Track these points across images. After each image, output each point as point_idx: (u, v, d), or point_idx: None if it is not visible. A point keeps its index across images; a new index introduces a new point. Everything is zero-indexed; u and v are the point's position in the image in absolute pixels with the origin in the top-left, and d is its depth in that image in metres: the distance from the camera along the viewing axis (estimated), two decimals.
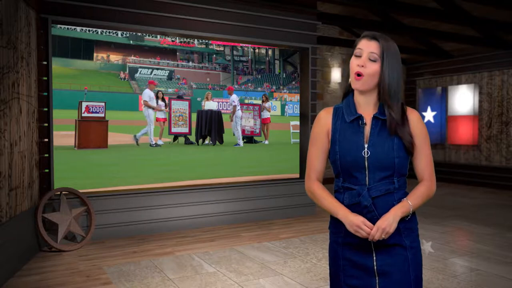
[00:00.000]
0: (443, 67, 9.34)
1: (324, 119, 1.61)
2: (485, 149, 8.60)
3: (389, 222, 1.46)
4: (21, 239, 3.74)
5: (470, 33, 7.68)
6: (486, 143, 8.58)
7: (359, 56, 1.52)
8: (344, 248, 1.58)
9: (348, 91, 1.64)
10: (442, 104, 9.27)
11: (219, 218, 5.34)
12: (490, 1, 5.77)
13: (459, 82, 9.09)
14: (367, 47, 1.51)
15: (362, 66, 1.50)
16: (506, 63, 8.15)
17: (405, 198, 1.53)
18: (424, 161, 1.57)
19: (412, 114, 1.56)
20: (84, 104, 7.84)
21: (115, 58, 23.98)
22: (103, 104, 8.02)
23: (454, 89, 9.06)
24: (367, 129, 1.54)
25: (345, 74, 9.17)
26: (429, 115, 9.46)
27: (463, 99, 8.87)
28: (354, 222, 1.47)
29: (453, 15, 6.42)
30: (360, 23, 7.29)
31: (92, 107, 7.87)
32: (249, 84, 27.13)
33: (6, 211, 3.36)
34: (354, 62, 1.53)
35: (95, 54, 23.58)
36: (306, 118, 5.96)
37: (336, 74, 9.04)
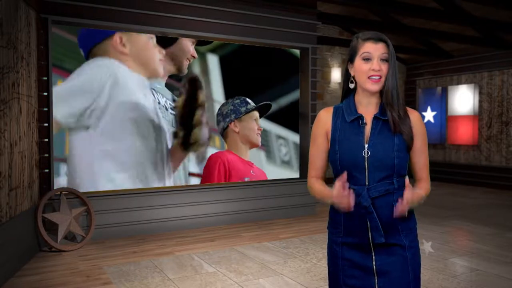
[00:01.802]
0: (443, 67, 9.35)
1: (324, 119, 1.62)
2: (485, 149, 8.60)
3: (410, 196, 1.43)
4: (21, 239, 3.74)
5: (470, 33, 7.69)
6: (486, 143, 8.58)
7: (368, 59, 1.52)
8: (343, 248, 1.58)
9: (347, 92, 1.64)
10: (442, 104, 9.28)
11: (219, 218, 5.34)
12: (490, 1, 5.77)
13: (459, 82, 9.09)
14: (376, 50, 1.51)
15: (379, 69, 1.51)
16: (506, 63, 8.15)
17: (418, 191, 1.52)
18: (423, 161, 1.58)
19: (412, 114, 1.57)
20: None
21: None
22: None
23: (454, 89, 9.06)
24: (368, 129, 1.55)
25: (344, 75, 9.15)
26: (429, 115, 9.47)
27: (463, 99, 8.88)
28: (337, 196, 1.44)
29: (453, 15, 6.42)
30: (360, 23, 7.30)
31: None
32: None
33: (6, 211, 3.36)
34: (364, 66, 1.52)
35: None
36: (306, 118, 5.96)
37: (336, 74, 9.04)
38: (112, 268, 3.74)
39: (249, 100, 5.61)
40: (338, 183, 1.43)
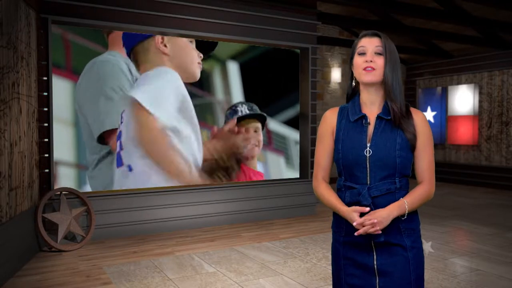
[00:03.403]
0: (443, 67, 9.35)
1: (330, 119, 1.63)
2: (485, 149, 8.60)
3: (382, 216, 1.46)
4: (21, 239, 3.74)
5: (470, 33, 7.68)
6: (486, 143, 8.58)
7: (364, 53, 1.55)
8: (345, 247, 1.59)
9: (352, 93, 1.65)
10: (442, 104, 9.28)
11: (219, 218, 5.34)
12: (490, 1, 5.77)
13: (459, 82, 9.09)
14: (370, 43, 1.55)
15: (371, 61, 1.53)
16: (506, 63, 8.15)
17: (402, 198, 1.53)
18: (425, 163, 1.56)
19: (417, 115, 1.57)
20: None
21: None
22: None
23: (454, 89, 9.06)
24: (371, 128, 1.56)
25: (346, 75, 9.16)
26: (429, 115, 9.47)
27: (463, 99, 8.88)
28: (353, 219, 1.49)
29: (453, 15, 6.42)
30: (360, 23, 7.30)
31: None
32: None
33: (6, 211, 3.36)
34: (359, 60, 1.55)
35: None
36: (306, 118, 5.95)
37: (336, 74, 9.04)
38: (112, 268, 3.74)
39: (242, 108, 5.41)
40: (356, 216, 1.48)
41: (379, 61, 1.53)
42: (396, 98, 1.54)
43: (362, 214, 1.51)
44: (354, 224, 1.48)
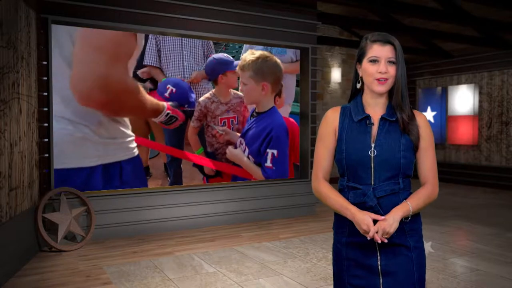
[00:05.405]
0: (443, 67, 9.34)
1: (332, 118, 1.62)
2: (485, 149, 8.60)
3: (389, 222, 1.46)
4: (21, 239, 3.74)
5: (470, 33, 7.68)
6: (486, 143, 8.58)
7: (376, 61, 1.52)
8: (348, 248, 1.58)
9: (355, 92, 1.64)
10: (442, 104, 9.27)
11: (219, 218, 5.34)
12: (490, 1, 5.77)
13: (459, 82, 9.09)
14: (383, 52, 1.52)
15: (385, 72, 1.51)
16: (506, 63, 8.15)
17: (405, 200, 1.53)
18: (428, 164, 1.57)
19: (419, 117, 1.58)
20: None
21: None
22: None
23: (454, 89, 9.06)
24: (374, 129, 1.55)
25: (346, 75, 9.16)
26: (429, 115, 9.47)
27: (463, 99, 8.87)
28: (361, 224, 1.48)
29: (453, 15, 6.42)
30: (360, 23, 7.29)
31: None
32: None
33: (6, 211, 3.36)
34: (371, 68, 1.53)
35: None
36: (306, 118, 5.95)
37: (336, 74, 9.03)
38: (112, 268, 3.74)
39: None
40: (367, 222, 1.46)
41: (392, 71, 1.52)
42: (405, 105, 1.54)
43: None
44: (368, 236, 1.47)
